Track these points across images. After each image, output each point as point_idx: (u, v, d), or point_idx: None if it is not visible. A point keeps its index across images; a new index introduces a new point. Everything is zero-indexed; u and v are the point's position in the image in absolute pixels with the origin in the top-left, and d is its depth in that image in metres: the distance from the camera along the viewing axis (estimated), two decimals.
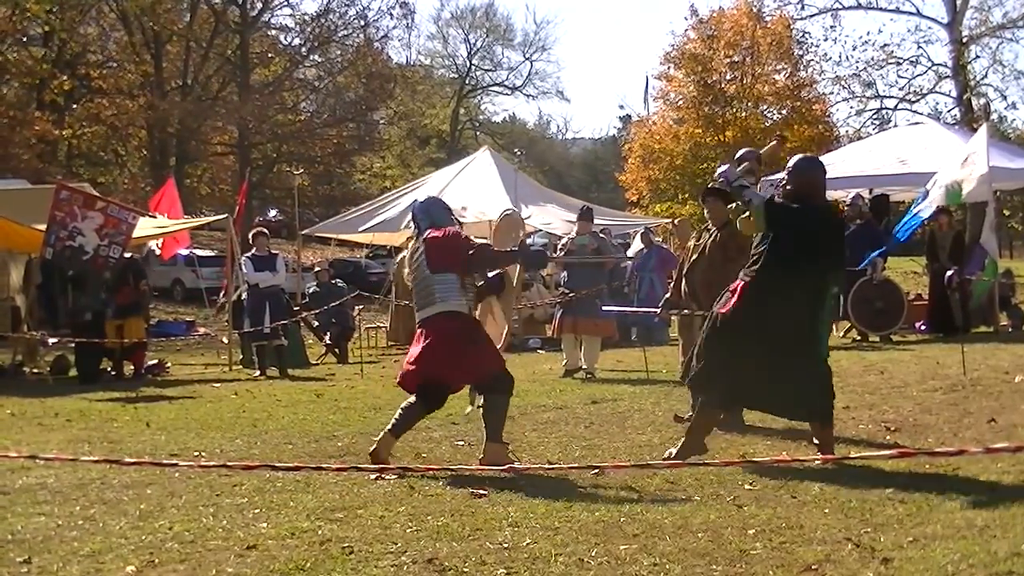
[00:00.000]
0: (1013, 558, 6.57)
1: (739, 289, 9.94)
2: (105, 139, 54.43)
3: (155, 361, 21.95)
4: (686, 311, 12.63)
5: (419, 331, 10.37)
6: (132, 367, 21.42)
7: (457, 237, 10.36)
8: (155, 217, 24.58)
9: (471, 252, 10.24)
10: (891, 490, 8.42)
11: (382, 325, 28.89)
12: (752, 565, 6.71)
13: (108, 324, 21.01)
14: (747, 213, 10.01)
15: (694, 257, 12.72)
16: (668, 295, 13.28)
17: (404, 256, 10.27)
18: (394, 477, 9.41)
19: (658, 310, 13.78)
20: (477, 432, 10.89)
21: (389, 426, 10.30)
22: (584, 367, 17.72)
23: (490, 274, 10.59)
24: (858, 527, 7.43)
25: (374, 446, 10.19)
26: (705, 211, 13.05)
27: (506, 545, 7.28)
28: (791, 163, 10.32)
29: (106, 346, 21.06)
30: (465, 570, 6.82)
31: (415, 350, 10.32)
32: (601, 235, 19.61)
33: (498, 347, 10.83)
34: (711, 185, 14.15)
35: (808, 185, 10.07)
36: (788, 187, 10.08)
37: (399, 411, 10.37)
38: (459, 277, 10.22)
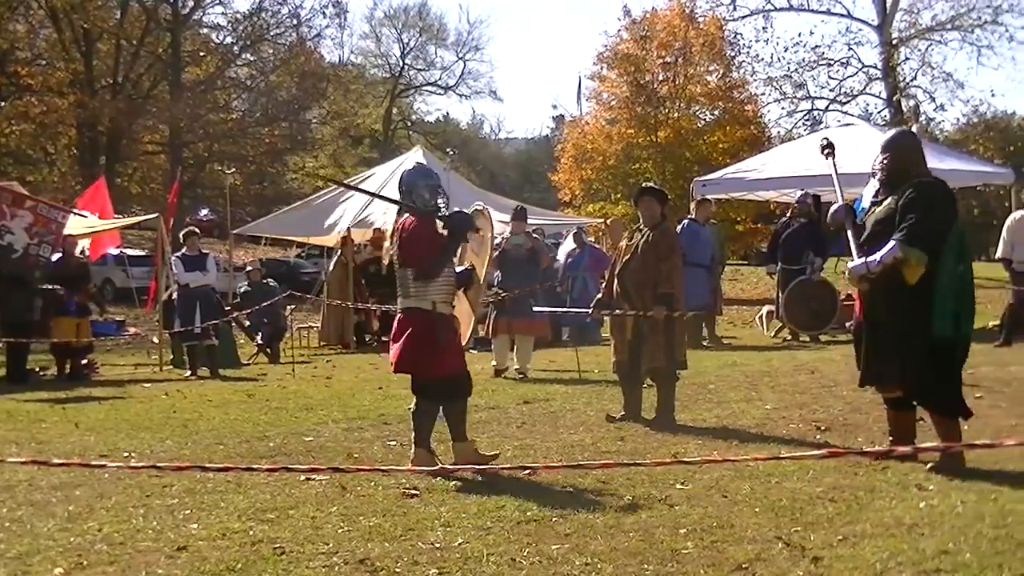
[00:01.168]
0: (941, 556, 6.63)
1: None
2: (34, 137, 53.89)
3: (84, 361, 21.77)
4: (618, 311, 12.63)
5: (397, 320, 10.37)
6: (70, 365, 21.26)
7: (415, 235, 10.19)
8: (85, 216, 24.36)
9: (422, 256, 10.09)
10: (821, 489, 8.48)
11: (314, 325, 28.77)
12: (683, 564, 6.73)
13: (67, 322, 20.87)
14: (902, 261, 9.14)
15: (626, 257, 12.73)
16: (600, 295, 13.28)
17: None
18: (325, 478, 9.38)
19: (590, 310, 13.78)
20: (409, 432, 10.87)
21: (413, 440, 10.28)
22: (516, 367, 17.72)
23: (459, 269, 10.46)
24: (788, 526, 7.47)
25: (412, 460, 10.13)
26: (638, 211, 13.04)
27: (438, 545, 7.27)
28: (889, 138, 9.88)
29: (59, 344, 20.97)
30: (397, 570, 6.81)
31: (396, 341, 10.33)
32: (535, 235, 19.61)
33: (462, 342, 10.75)
34: (644, 184, 14.21)
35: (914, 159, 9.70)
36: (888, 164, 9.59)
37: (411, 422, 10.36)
38: (423, 273, 10.12)
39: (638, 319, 12.47)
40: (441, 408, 10.28)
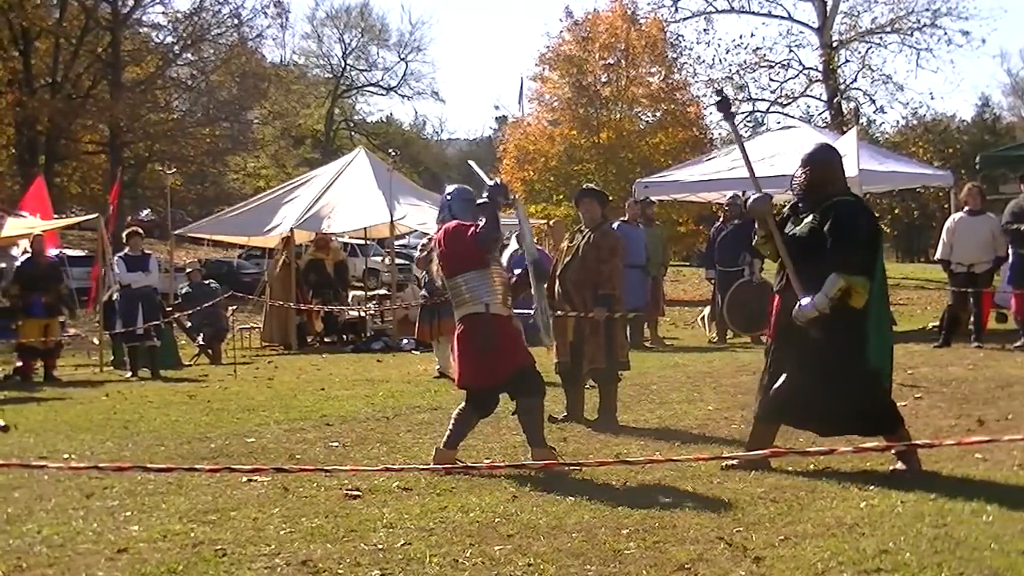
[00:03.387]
0: (881, 555, 6.67)
1: None
2: None
3: (20, 363, 21.56)
4: (559, 312, 12.64)
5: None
6: (45, 367, 21.07)
7: (458, 230, 10.12)
8: (24, 217, 24.18)
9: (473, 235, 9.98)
10: (762, 489, 8.52)
11: (256, 326, 28.68)
12: (626, 565, 6.74)
13: (34, 323, 20.69)
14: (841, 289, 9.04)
15: (567, 259, 12.76)
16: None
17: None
18: (267, 479, 9.34)
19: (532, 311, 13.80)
20: (351, 433, 10.88)
21: (444, 439, 10.22)
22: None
23: (491, 182, 10.27)
24: (730, 526, 7.50)
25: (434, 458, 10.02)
26: (579, 212, 13.07)
27: (380, 546, 7.26)
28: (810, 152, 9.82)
29: (29, 346, 20.79)
30: (339, 572, 6.79)
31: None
32: None
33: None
34: (585, 186, 14.26)
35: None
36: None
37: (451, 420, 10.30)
38: (479, 271, 10.03)
39: (579, 320, 12.50)
40: (517, 413, 10.22)
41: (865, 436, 9.36)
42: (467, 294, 9.96)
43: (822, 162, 9.63)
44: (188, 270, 27.74)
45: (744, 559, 6.75)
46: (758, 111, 58.81)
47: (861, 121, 51.26)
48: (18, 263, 21.44)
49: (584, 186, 14.40)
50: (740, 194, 23.57)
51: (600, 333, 12.51)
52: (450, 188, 10.80)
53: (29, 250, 21.63)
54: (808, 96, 58.35)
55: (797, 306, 9.13)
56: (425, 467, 9.61)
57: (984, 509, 7.66)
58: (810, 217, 9.34)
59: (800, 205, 9.59)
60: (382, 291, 30.98)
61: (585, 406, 12.74)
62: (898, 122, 59.02)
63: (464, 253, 9.95)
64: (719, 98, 10.89)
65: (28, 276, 20.80)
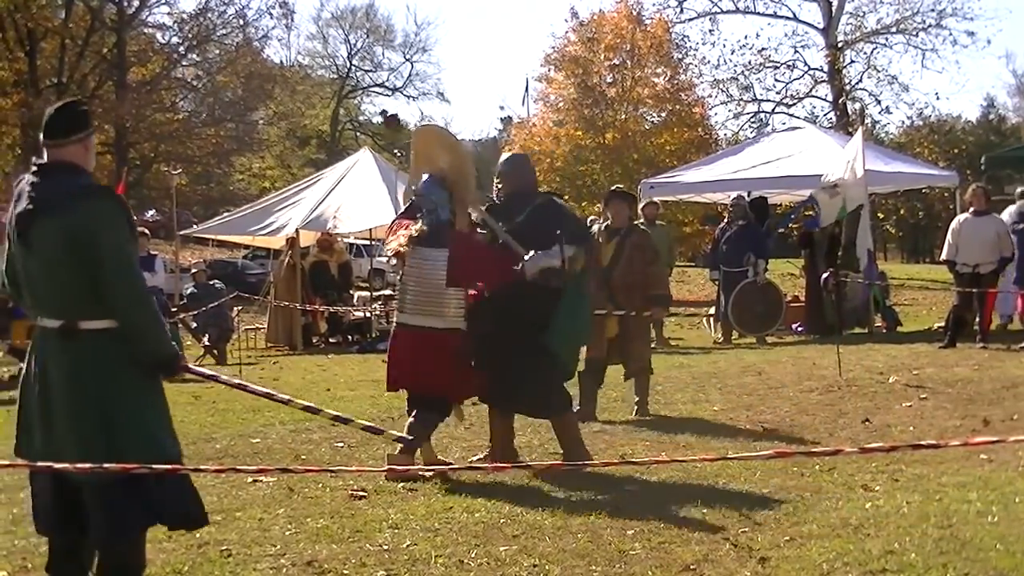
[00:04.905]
0: (886, 556, 6.68)
1: None
2: None
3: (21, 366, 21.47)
4: (599, 311, 12.76)
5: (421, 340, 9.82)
6: None
7: (487, 255, 10.03)
8: None
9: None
10: (768, 490, 8.52)
11: (261, 326, 28.63)
12: (631, 565, 6.75)
13: (21, 325, 20.64)
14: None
15: (609, 260, 12.89)
16: None
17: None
18: (272, 479, 9.35)
19: None
20: (357, 434, 10.87)
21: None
22: None
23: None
24: (735, 527, 7.51)
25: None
26: (608, 213, 13.28)
27: (386, 547, 7.27)
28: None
29: (18, 347, 20.74)
30: (345, 572, 6.80)
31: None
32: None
33: None
34: (615, 187, 14.43)
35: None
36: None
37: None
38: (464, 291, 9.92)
39: (625, 319, 12.73)
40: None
41: (533, 416, 10.42)
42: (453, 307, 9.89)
43: (511, 171, 10.45)
44: (193, 270, 27.71)
45: (749, 560, 6.75)
46: (763, 112, 58.71)
47: (866, 122, 51.21)
48: (3, 266, 21.37)
49: (614, 187, 14.64)
50: (745, 195, 23.58)
51: (646, 331, 13.37)
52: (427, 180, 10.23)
53: None
54: (813, 97, 58.25)
55: (528, 256, 9.72)
56: (430, 467, 9.61)
57: (989, 510, 7.66)
58: (522, 216, 10.01)
59: (505, 209, 10.22)
60: (387, 291, 30.94)
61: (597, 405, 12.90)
62: (903, 123, 58.92)
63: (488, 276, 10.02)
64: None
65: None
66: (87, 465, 5.38)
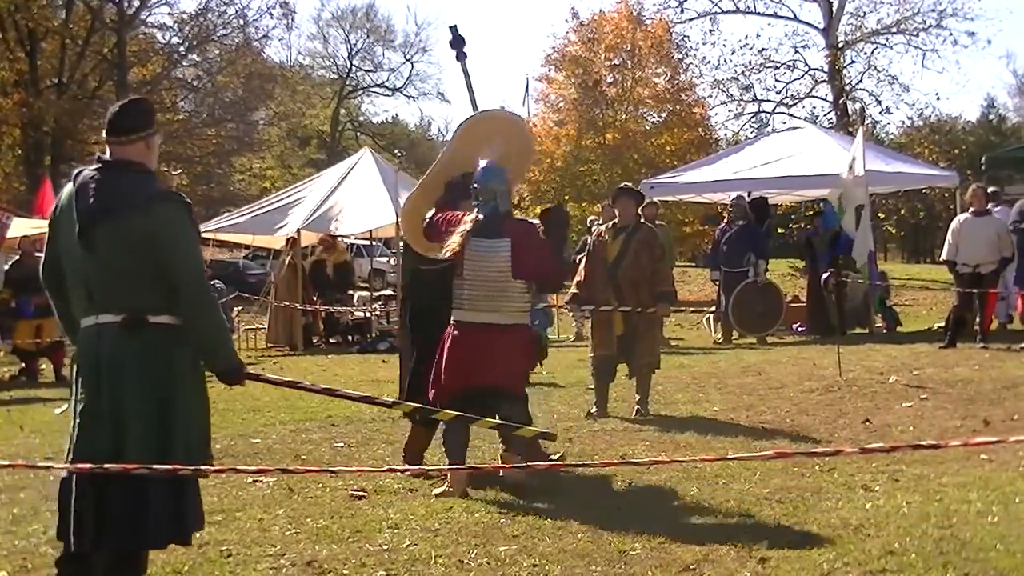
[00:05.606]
0: (887, 556, 6.68)
1: None
2: None
3: (23, 365, 21.50)
4: (606, 307, 12.81)
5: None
6: (53, 367, 21.03)
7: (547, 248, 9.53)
8: (31, 218, 24.18)
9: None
10: (768, 490, 8.52)
11: (261, 327, 28.62)
12: (631, 565, 6.75)
13: (26, 325, 20.64)
14: None
15: (614, 255, 12.91)
16: (575, 290, 13.43)
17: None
18: (272, 479, 9.35)
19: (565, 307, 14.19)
20: (357, 434, 10.88)
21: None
22: None
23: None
24: (736, 527, 7.51)
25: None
26: (615, 210, 13.36)
27: (386, 547, 7.27)
28: None
29: (22, 347, 20.75)
30: (345, 572, 6.80)
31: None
32: None
33: None
34: (623, 184, 14.44)
35: None
36: None
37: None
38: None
39: (632, 316, 12.82)
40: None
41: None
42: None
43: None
44: (202, 262, 27.69)
45: (750, 560, 6.75)
46: (764, 112, 58.72)
47: (867, 122, 51.22)
48: (6, 267, 21.34)
49: (621, 185, 14.57)
50: (745, 195, 23.58)
51: (655, 328, 13.39)
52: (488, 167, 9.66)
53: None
54: (814, 97, 58.24)
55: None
56: (431, 467, 9.61)
57: (990, 510, 7.66)
58: None
59: None
60: (388, 292, 30.95)
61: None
62: (904, 123, 58.90)
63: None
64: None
65: (16, 279, 20.73)
66: (86, 465, 5.36)
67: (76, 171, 6.18)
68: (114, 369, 5.90)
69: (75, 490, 5.91)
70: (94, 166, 6.08)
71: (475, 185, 9.44)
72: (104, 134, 6.09)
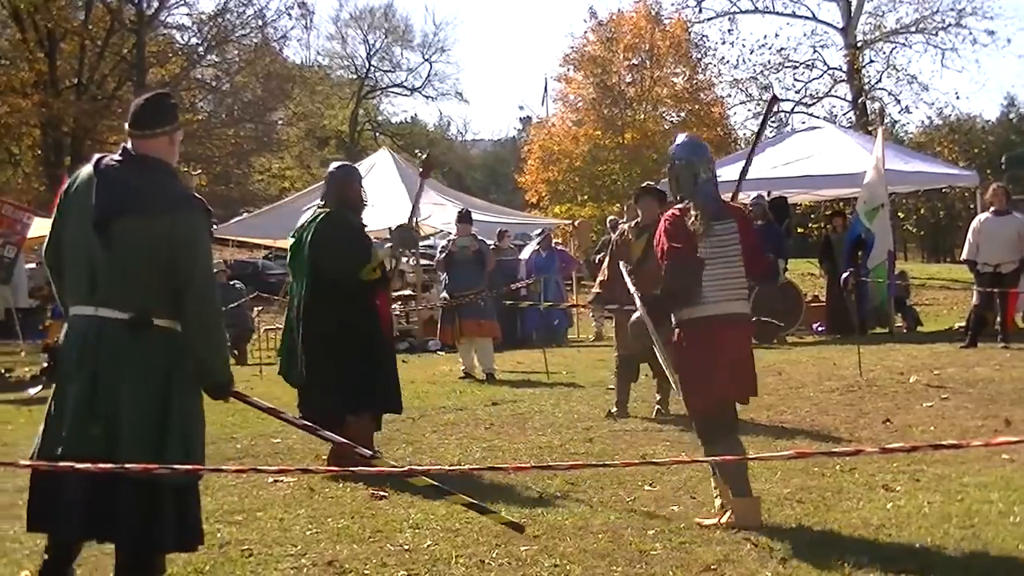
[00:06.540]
0: (908, 557, 6.67)
1: None
2: None
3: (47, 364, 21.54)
4: (628, 307, 12.75)
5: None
6: None
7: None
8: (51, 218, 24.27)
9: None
10: (788, 490, 8.51)
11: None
12: (652, 566, 6.75)
13: (57, 325, 20.70)
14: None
15: (638, 255, 12.86)
16: (599, 291, 13.43)
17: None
18: (293, 479, 9.36)
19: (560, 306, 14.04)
20: (377, 434, 10.87)
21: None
22: (482, 368, 17.73)
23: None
24: (756, 527, 7.49)
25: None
26: (638, 210, 13.27)
27: (407, 547, 7.27)
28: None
29: (52, 347, 20.81)
30: (365, 572, 6.81)
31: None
32: (480, 237, 19.50)
33: None
34: (646, 184, 14.39)
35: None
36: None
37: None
38: None
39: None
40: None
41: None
42: None
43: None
44: (214, 271, 27.77)
45: (770, 560, 6.75)
46: (782, 111, 58.63)
47: (886, 121, 51.16)
48: (29, 267, 21.40)
49: (644, 184, 14.53)
50: (764, 195, 23.55)
51: None
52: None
53: None
54: (833, 96, 58.24)
55: None
56: (452, 468, 9.62)
57: (1011, 510, 7.65)
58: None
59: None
60: (407, 292, 30.96)
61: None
62: (923, 122, 58.95)
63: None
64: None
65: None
66: (85, 465, 5.34)
67: (98, 157, 6.14)
68: (114, 367, 5.87)
69: (68, 479, 5.84)
70: (117, 156, 6.06)
71: (679, 161, 8.54)
72: (127, 127, 6.08)
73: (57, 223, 6.17)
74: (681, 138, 8.75)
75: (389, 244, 11.51)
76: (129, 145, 6.06)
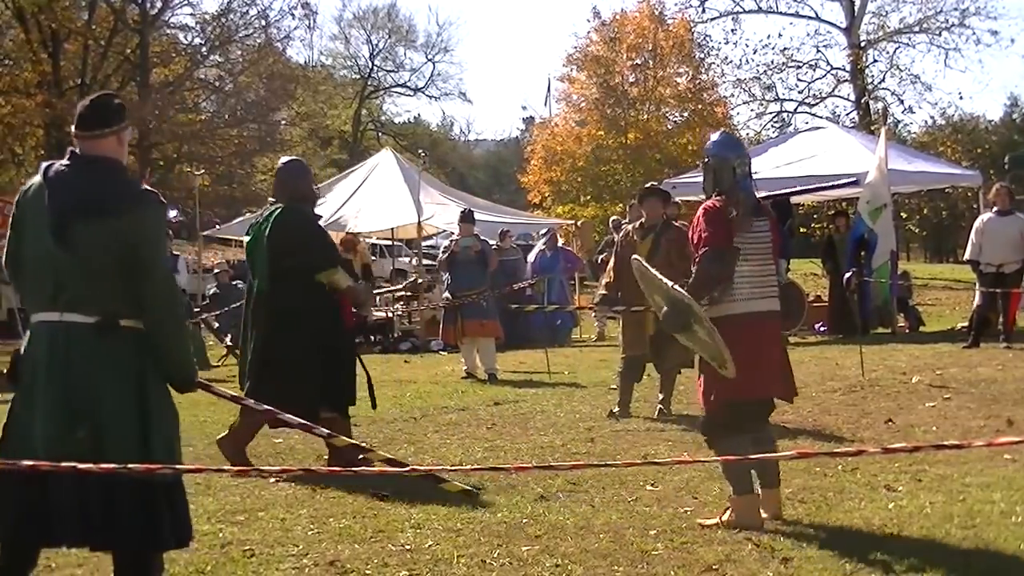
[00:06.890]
0: (910, 556, 6.66)
1: None
2: (1, 138, 53.55)
3: None
4: (637, 308, 12.73)
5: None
6: None
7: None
8: None
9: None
10: (790, 490, 8.50)
11: None
12: (653, 566, 6.74)
13: None
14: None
15: (643, 255, 12.83)
16: (605, 292, 13.44)
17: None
18: (295, 480, 9.36)
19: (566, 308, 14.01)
20: (379, 433, 10.89)
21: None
22: (484, 368, 17.72)
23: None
24: (758, 527, 7.48)
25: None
26: (642, 210, 13.24)
27: (408, 547, 7.27)
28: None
29: None
30: (367, 572, 6.80)
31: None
32: (482, 238, 19.50)
33: None
34: (650, 184, 14.39)
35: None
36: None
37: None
38: None
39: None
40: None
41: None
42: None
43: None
44: (216, 271, 27.81)
45: (772, 560, 6.75)
46: (786, 111, 58.72)
47: (889, 121, 51.15)
48: None
49: (648, 184, 14.53)
50: (768, 195, 23.53)
51: None
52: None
53: None
54: (836, 96, 58.28)
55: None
56: (454, 468, 9.61)
57: (1013, 510, 7.64)
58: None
59: None
60: (409, 292, 30.99)
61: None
62: (926, 122, 58.89)
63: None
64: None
65: None
66: (78, 464, 5.33)
67: (45, 164, 6.10)
68: (87, 370, 5.81)
69: (49, 483, 5.79)
70: (66, 160, 6.02)
71: (715, 158, 8.41)
72: (74, 129, 6.04)
73: (13, 236, 6.12)
74: (715, 136, 8.70)
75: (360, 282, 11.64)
76: (77, 149, 6.02)
